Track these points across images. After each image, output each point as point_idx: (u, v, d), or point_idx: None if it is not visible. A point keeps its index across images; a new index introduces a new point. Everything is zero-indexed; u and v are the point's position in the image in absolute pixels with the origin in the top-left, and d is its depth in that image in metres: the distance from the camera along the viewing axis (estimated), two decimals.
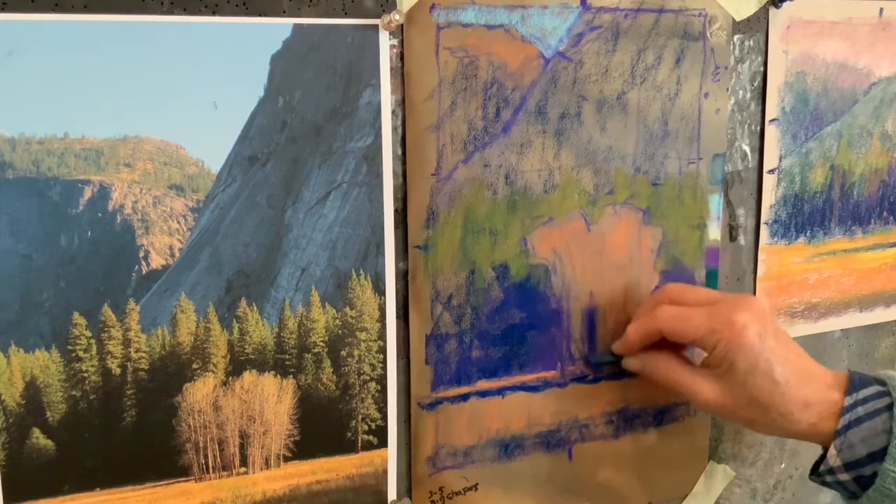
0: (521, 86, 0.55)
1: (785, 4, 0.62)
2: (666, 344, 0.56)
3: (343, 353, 0.53)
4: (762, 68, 0.64)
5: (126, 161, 0.46)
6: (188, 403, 0.50)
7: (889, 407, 0.50)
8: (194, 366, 0.49)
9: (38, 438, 0.47)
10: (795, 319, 0.69)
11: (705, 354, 0.54)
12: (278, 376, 0.52)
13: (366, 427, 0.54)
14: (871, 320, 0.73)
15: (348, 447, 0.54)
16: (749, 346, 0.51)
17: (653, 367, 0.57)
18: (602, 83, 0.57)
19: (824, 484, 0.53)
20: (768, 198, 0.66)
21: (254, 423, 0.51)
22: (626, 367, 0.59)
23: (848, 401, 0.51)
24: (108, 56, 0.45)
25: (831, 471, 0.51)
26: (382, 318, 0.54)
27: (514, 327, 0.58)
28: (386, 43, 0.51)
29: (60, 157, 0.45)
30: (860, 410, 0.50)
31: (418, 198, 0.53)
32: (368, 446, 0.55)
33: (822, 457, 0.52)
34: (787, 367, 0.52)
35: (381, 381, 0.54)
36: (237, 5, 0.47)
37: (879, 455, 0.49)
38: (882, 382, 0.52)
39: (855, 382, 0.52)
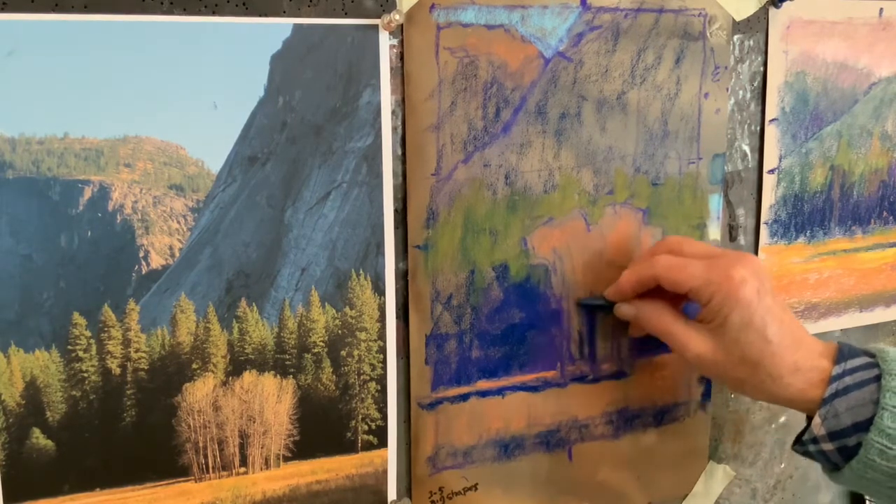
0: (521, 86, 0.55)
1: (785, 4, 0.62)
2: (662, 297, 0.56)
3: (343, 353, 0.53)
4: (762, 68, 0.64)
5: (126, 161, 0.46)
6: (188, 403, 0.50)
7: (877, 378, 0.50)
8: (194, 366, 0.49)
9: (38, 438, 0.47)
10: None
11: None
12: (278, 376, 0.52)
13: (366, 427, 0.54)
14: (871, 320, 0.73)
15: (348, 447, 0.54)
16: (745, 301, 0.51)
17: (647, 315, 0.56)
18: (602, 83, 0.57)
19: (806, 454, 0.53)
20: (768, 198, 0.66)
21: (254, 423, 0.51)
22: (619, 314, 0.57)
23: (836, 369, 0.50)
24: (108, 56, 0.45)
25: (815, 440, 0.51)
26: (382, 318, 0.54)
27: (513, 327, 0.58)
28: (386, 43, 0.51)
29: (60, 157, 0.45)
30: (848, 380, 0.50)
31: (418, 198, 0.53)
32: (368, 446, 0.55)
33: (807, 427, 0.52)
34: (782, 328, 0.51)
35: (381, 381, 0.54)
36: (237, 5, 0.47)
37: (864, 426, 0.49)
38: (871, 354, 0.51)
39: (844, 352, 0.51)
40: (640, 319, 0.56)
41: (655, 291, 0.55)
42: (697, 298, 0.53)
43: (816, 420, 0.51)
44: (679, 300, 0.56)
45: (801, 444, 0.53)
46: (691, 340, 0.53)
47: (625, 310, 0.57)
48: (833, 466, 0.52)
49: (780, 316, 0.52)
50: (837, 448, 0.51)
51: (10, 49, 0.43)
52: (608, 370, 0.61)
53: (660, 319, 0.55)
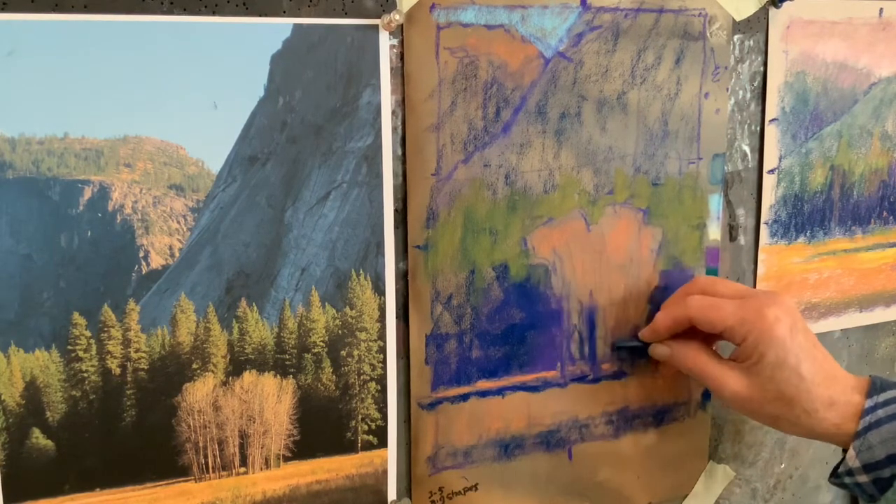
0: (521, 86, 0.55)
1: (785, 4, 0.62)
2: (695, 337, 0.57)
3: (343, 353, 0.53)
4: (762, 68, 0.64)
5: (126, 161, 0.46)
6: (188, 403, 0.50)
7: None
8: (194, 366, 0.49)
9: (38, 438, 0.47)
10: None
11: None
12: (278, 376, 0.52)
13: (366, 427, 0.54)
14: (871, 320, 0.73)
15: (348, 447, 0.54)
16: (780, 339, 0.52)
17: (681, 355, 0.57)
18: (602, 83, 0.57)
19: (843, 486, 0.54)
20: (768, 198, 0.66)
21: (254, 423, 0.51)
22: (654, 355, 0.59)
23: (868, 403, 0.51)
24: (108, 56, 0.45)
25: (850, 472, 0.52)
26: (382, 318, 0.54)
27: (514, 327, 0.58)
28: (386, 43, 0.51)
29: (60, 157, 0.45)
30: (880, 413, 0.51)
31: (418, 198, 0.53)
32: (368, 446, 0.55)
33: (842, 460, 0.53)
34: (815, 364, 0.52)
35: (381, 381, 0.54)
36: (237, 5, 0.47)
37: None
38: None
39: (876, 386, 0.52)
40: (674, 359, 0.57)
41: (689, 332, 0.56)
42: (732, 337, 0.54)
43: (851, 453, 0.51)
44: (711, 340, 0.57)
45: (837, 476, 0.53)
46: (727, 379, 0.54)
47: (660, 350, 0.58)
48: (869, 497, 0.53)
49: (812, 353, 0.53)
50: (872, 480, 0.51)
51: (10, 49, 0.43)
52: (608, 370, 0.61)
53: (695, 359, 0.56)
